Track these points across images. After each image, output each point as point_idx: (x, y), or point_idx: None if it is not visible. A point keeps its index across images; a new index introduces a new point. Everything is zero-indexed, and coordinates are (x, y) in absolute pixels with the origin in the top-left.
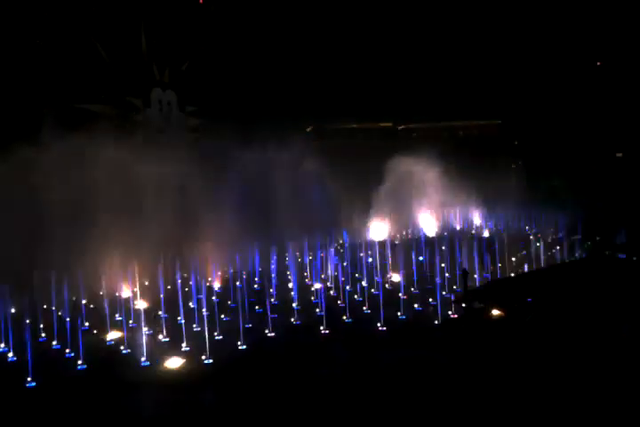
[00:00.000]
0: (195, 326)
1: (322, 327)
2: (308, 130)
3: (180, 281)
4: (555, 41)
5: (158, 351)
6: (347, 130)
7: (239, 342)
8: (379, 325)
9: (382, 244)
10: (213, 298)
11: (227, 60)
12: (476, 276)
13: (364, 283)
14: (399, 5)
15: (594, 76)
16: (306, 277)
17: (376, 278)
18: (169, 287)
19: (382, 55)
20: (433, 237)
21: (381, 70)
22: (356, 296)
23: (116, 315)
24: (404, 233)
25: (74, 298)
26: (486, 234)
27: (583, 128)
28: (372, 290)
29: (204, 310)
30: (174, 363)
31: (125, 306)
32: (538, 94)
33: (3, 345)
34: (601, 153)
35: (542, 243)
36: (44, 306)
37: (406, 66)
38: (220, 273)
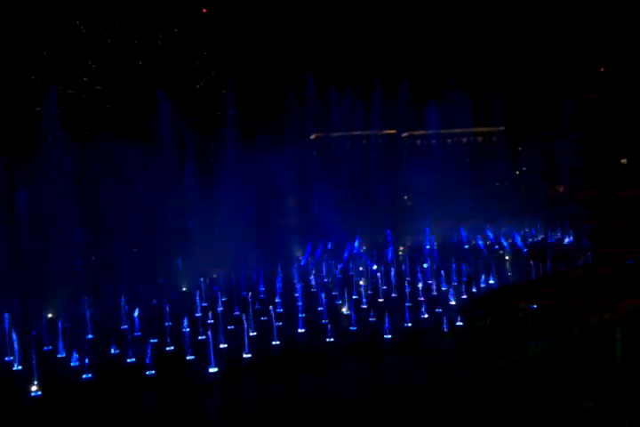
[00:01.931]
0: None
1: None
2: (313, 137)
3: None
4: (557, 47)
5: None
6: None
7: None
8: None
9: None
10: None
11: (232, 66)
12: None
13: None
14: (404, 13)
15: (596, 82)
16: None
17: None
18: None
19: (386, 62)
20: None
21: (385, 77)
22: None
23: None
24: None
25: None
26: None
27: (588, 135)
28: None
29: None
30: None
31: None
32: (540, 100)
33: None
34: (606, 159)
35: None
36: None
37: (410, 72)
38: None
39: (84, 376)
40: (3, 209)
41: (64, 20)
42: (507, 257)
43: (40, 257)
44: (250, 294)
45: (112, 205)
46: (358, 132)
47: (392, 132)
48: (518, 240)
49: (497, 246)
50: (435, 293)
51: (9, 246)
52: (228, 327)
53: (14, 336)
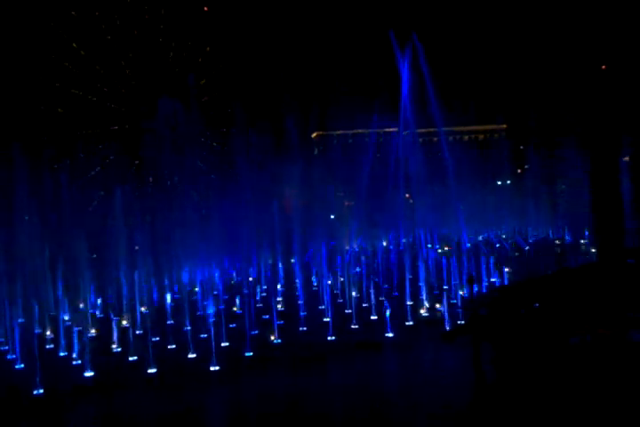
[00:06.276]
0: None
1: None
2: (314, 136)
3: None
4: (559, 46)
5: None
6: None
7: None
8: None
9: None
10: None
11: (233, 65)
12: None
13: None
14: (402, 13)
15: (599, 80)
16: None
17: None
18: None
19: (387, 60)
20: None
21: (387, 76)
22: None
23: None
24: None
25: None
26: None
27: (590, 132)
28: None
29: None
30: None
31: None
32: (544, 98)
33: None
34: (608, 158)
35: None
36: None
37: (412, 70)
38: None
39: None
40: None
41: (66, 20)
42: (508, 255)
43: None
44: None
45: None
46: (360, 131)
47: (393, 129)
48: (519, 238)
49: (498, 245)
50: (436, 291)
51: None
52: None
53: None
